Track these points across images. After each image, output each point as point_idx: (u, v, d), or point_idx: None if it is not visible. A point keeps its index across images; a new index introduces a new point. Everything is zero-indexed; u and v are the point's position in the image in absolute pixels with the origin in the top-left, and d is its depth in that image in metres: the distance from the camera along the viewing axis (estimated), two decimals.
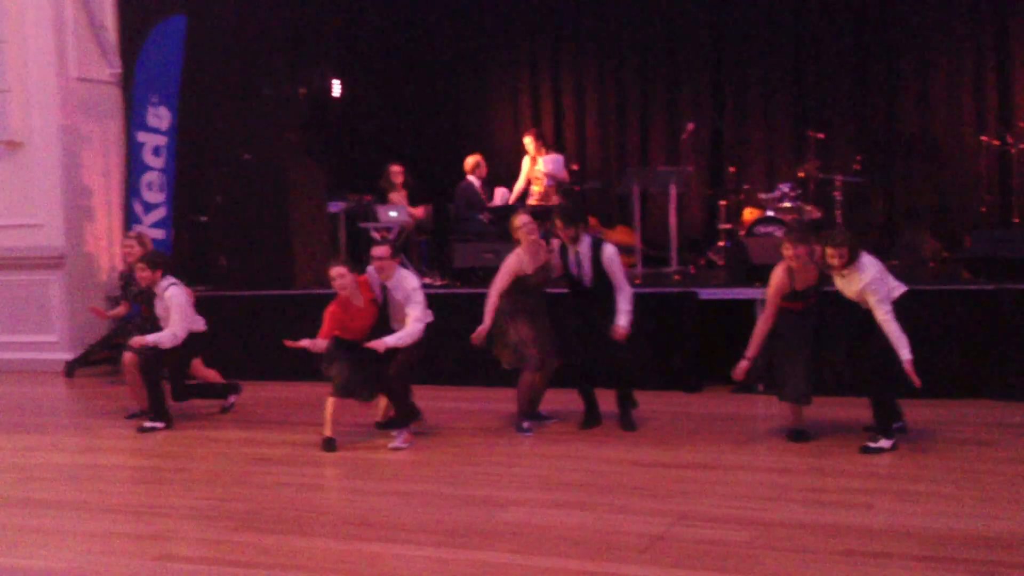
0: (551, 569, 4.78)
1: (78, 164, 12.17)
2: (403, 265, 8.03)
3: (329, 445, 7.36)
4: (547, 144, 12.16)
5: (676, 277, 10.31)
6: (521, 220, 7.69)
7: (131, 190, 11.45)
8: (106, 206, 12.46)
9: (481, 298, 8.20)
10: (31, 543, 5.46)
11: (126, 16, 12.33)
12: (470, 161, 11.94)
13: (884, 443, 6.86)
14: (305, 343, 7.34)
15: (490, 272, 10.32)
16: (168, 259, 8.79)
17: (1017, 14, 11.84)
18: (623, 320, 7.52)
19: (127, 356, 8.66)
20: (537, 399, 7.98)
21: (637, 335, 8.01)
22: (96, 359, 11.74)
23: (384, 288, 7.58)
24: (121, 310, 9.31)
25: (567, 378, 7.92)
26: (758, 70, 12.92)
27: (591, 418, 7.92)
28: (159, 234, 11.01)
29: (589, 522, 5.44)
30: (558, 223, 7.68)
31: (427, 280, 8.81)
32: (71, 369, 11.67)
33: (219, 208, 11.70)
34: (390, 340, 7.32)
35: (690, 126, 12.01)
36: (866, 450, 6.83)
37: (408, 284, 7.52)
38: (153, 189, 11.30)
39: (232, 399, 9.05)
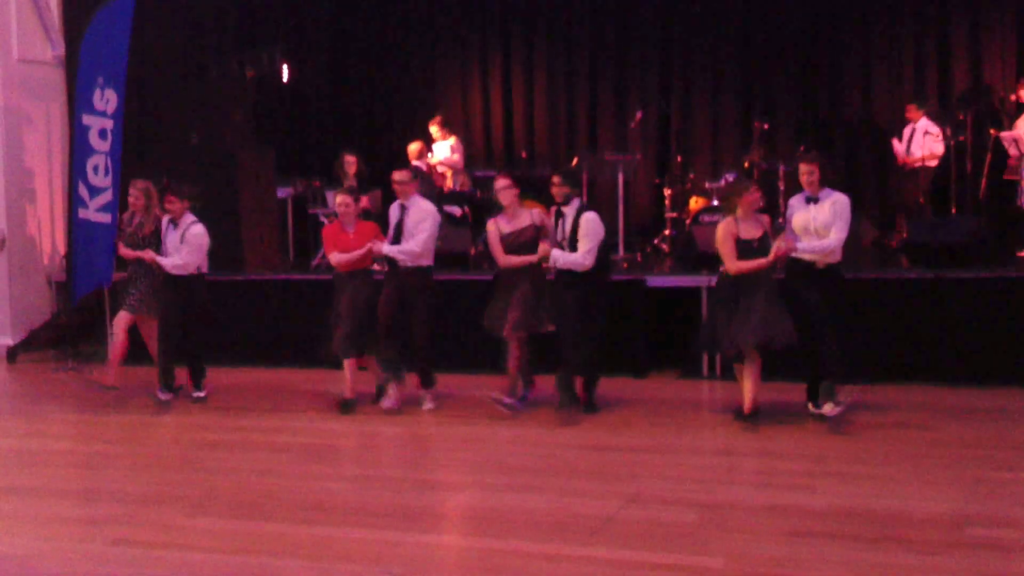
0: (504, 551, 4.86)
1: (20, 147, 11.96)
2: None
3: (346, 407, 7.89)
4: (450, 130, 12.54)
5: (624, 265, 10.44)
6: (498, 183, 7.87)
7: (76, 173, 11.24)
8: (48, 189, 12.27)
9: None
10: None
11: None
12: (414, 148, 11.94)
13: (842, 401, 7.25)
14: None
15: (438, 257, 10.37)
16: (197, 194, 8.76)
17: (958, 9, 12.15)
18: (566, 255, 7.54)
19: (121, 316, 8.55)
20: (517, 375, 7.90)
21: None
22: (39, 344, 11.59)
23: (402, 209, 7.98)
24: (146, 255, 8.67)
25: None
26: (706, 60, 13.11)
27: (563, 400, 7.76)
28: (105, 218, 10.80)
29: (541, 505, 5.54)
30: (556, 178, 7.81)
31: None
32: (13, 354, 11.50)
33: (165, 191, 11.56)
34: (389, 249, 7.93)
35: (638, 114, 12.15)
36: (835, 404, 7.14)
37: (423, 208, 7.96)
38: (99, 173, 11.08)
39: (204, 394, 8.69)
